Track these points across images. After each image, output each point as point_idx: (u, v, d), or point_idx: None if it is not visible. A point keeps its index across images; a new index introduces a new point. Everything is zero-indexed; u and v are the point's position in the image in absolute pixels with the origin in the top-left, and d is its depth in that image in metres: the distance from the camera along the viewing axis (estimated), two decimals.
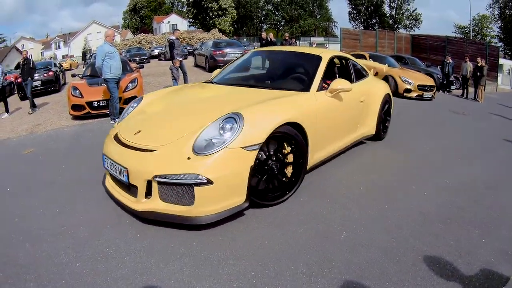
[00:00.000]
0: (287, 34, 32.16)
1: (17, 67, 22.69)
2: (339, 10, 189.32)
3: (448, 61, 29.15)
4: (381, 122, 10.30)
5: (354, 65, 9.96)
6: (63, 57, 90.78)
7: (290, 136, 6.31)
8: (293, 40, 30.38)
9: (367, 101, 9.53)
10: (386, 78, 21.29)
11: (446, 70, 29.24)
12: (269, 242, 5.34)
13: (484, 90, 26.99)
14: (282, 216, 6.11)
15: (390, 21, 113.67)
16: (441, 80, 28.37)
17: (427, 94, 22.34)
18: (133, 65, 18.90)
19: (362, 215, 6.14)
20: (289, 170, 6.56)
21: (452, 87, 30.37)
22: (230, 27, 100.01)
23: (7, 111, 18.83)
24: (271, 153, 6.07)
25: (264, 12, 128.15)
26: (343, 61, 9.93)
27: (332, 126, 7.86)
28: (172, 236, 5.56)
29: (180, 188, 5.30)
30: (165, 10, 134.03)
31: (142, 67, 19.79)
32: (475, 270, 4.87)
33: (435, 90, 23.07)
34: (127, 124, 6.95)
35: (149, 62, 45.69)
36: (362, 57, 23.70)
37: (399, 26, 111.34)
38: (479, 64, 26.40)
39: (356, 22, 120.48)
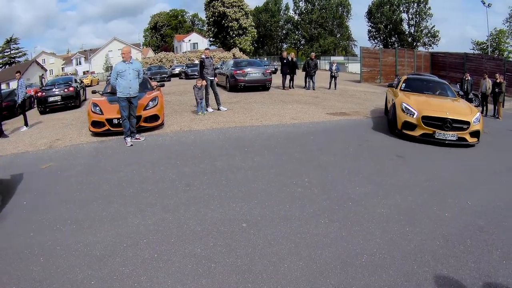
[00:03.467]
0: (313, 54, 32.04)
1: None
2: (359, 29, 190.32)
3: (467, 78, 29.01)
4: None
5: None
6: (84, 73, 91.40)
7: None
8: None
9: None
10: (393, 106, 15.42)
11: (465, 87, 29.00)
12: (288, 265, 5.26)
13: (502, 107, 26.54)
14: (301, 239, 6.04)
15: (409, 39, 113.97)
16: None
17: (444, 134, 13.53)
18: (154, 83, 18.81)
19: (383, 238, 6.04)
20: None
21: (471, 104, 29.93)
22: (251, 46, 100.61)
23: (26, 124, 18.76)
24: None
25: (284, 31, 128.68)
26: None
27: None
28: (190, 257, 5.51)
29: None
30: (185, 29, 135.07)
31: (163, 85, 19.82)
32: None
33: (469, 128, 13.61)
34: None
35: (169, 80, 45.74)
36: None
37: (418, 43, 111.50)
38: (497, 81, 25.93)
39: (376, 41, 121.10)
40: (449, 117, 13.69)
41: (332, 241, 5.93)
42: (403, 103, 14.80)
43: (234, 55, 69.57)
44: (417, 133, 14.02)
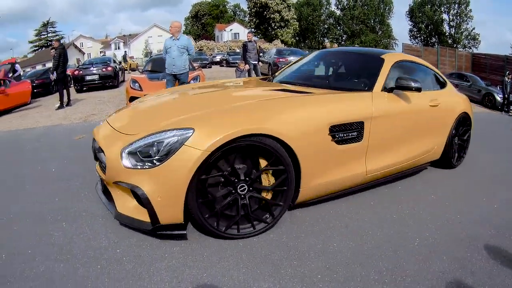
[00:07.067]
0: (357, 46, 31.95)
1: None
2: (400, 28, 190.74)
3: (509, 79, 27.40)
4: None
5: None
6: (122, 57, 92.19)
7: None
8: None
9: None
10: None
11: (509, 89, 27.31)
12: (337, 245, 4.97)
13: None
14: (352, 220, 5.76)
15: (449, 40, 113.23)
16: (503, 101, 27.01)
17: None
18: (195, 64, 18.76)
19: (434, 223, 5.76)
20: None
21: None
22: (292, 39, 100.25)
23: (61, 102, 18.52)
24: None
25: (326, 26, 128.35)
26: None
27: None
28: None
29: None
30: (227, 19, 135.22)
31: (205, 66, 19.71)
32: None
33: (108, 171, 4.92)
34: None
35: (210, 67, 45.65)
36: None
37: (458, 45, 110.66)
38: None
39: (416, 40, 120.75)
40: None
41: (382, 223, 5.65)
42: None
43: (260, 47, 69.49)
44: None
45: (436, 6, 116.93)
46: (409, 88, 6.59)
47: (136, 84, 14.07)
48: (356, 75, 7.92)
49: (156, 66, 16.89)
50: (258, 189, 5.04)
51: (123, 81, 30.27)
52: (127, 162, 4.60)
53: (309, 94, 6.15)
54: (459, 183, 7.74)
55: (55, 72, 18.21)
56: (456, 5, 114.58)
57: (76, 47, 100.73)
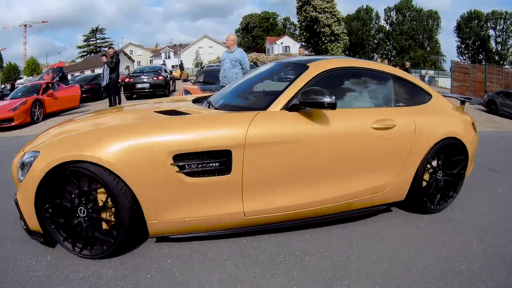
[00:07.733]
0: (408, 63, 31.67)
1: None
2: (448, 45, 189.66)
3: None
4: None
5: None
6: (172, 67, 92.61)
7: None
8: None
9: None
10: None
11: None
12: (387, 266, 4.97)
13: None
14: (402, 241, 5.74)
15: (496, 57, 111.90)
16: None
17: None
18: None
19: (480, 246, 5.68)
20: None
21: None
22: (342, 54, 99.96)
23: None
24: None
25: (375, 41, 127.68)
26: None
27: None
28: (282, 247, 5.30)
29: None
30: (277, 32, 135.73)
31: None
32: None
33: None
34: None
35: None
36: None
37: (504, 62, 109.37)
38: None
39: (464, 57, 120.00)
40: None
41: (431, 245, 5.63)
42: None
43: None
44: None
45: (483, 22, 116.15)
46: (318, 105, 5.11)
47: (189, 95, 14.20)
48: (272, 90, 6.84)
49: (208, 77, 17.02)
50: (97, 212, 4.88)
51: (174, 90, 30.42)
52: (19, 174, 4.97)
53: (184, 115, 5.43)
54: (504, 206, 7.56)
55: (106, 79, 18.52)
56: (502, 20, 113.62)
57: (125, 54, 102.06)
